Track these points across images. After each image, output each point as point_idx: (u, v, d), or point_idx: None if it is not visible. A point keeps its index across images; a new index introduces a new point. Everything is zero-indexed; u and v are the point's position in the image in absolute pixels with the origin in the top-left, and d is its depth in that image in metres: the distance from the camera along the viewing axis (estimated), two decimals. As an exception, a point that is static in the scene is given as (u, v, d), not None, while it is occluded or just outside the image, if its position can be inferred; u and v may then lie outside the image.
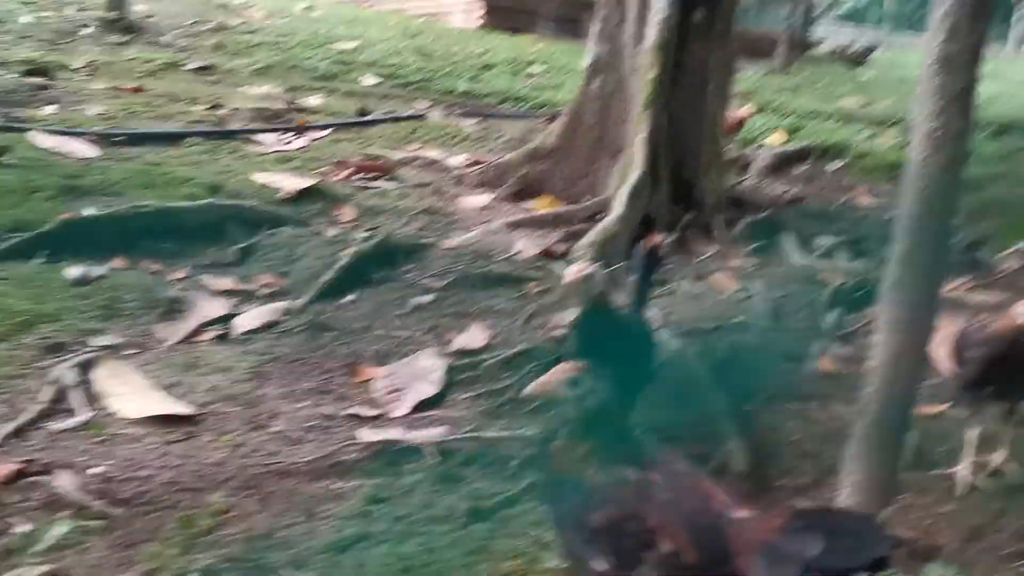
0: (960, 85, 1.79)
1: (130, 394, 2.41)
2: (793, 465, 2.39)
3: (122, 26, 8.20)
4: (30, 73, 6.18)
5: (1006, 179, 6.71)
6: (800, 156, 6.79)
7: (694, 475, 1.46)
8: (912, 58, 20.29)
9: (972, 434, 2.37)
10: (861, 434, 2.01)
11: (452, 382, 2.69)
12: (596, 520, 1.39)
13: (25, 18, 8.31)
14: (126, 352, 2.69)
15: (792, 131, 7.87)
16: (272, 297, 3.25)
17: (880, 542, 1.24)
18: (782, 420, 2.64)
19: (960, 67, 1.78)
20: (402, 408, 2.49)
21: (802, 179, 6.22)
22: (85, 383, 2.46)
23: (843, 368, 3.08)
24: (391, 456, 2.25)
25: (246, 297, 3.23)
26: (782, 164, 6.50)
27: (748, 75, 12.47)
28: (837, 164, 6.80)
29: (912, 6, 49.03)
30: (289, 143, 5.34)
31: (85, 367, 2.52)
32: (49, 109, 5.46)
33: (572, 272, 2.01)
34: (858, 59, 15.17)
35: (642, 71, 4.49)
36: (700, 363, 2.77)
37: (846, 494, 2.04)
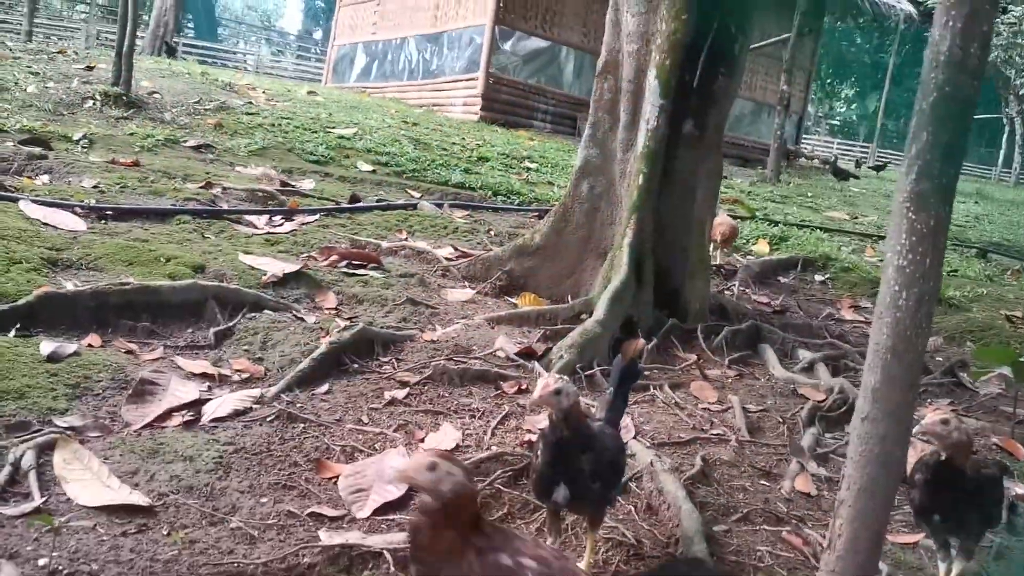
0: (931, 222, 1.80)
1: (87, 481, 2.34)
2: (763, 592, 2.33)
3: (125, 101, 8.35)
4: (28, 142, 6.25)
5: (989, 300, 6.78)
6: (786, 266, 6.87)
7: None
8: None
9: (942, 567, 2.32)
10: (829, 567, 1.96)
11: (420, 484, 2.63)
12: None
13: (30, 87, 8.45)
14: (90, 435, 2.63)
15: (779, 240, 7.97)
16: (246, 383, 3.21)
17: None
18: (755, 543, 2.57)
19: (931, 205, 1.80)
20: (365, 510, 2.43)
21: (787, 290, 6.27)
22: (43, 466, 2.39)
23: (819, 489, 3.04)
24: (349, 560, 2.18)
25: (219, 382, 3.19)
26: (768, 273, 6.56)
27: (738, 182, 12.72)
28: (822, 276, 6.87)
29: (901, 123, 50.39)
30: (279, 226, 5.37)
31: (45, 449, 2.45)
32: (43, 179, 5.51)
33: (540, 388, 1.98)
34: (845, 172, 15.48)
35: (631, 176, 4.57)
36: (673, 478, 2.71)
37: (815, 627, 1.98)
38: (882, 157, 22.71)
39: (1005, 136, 42.65)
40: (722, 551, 2.46)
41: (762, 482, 3.03)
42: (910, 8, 21.87)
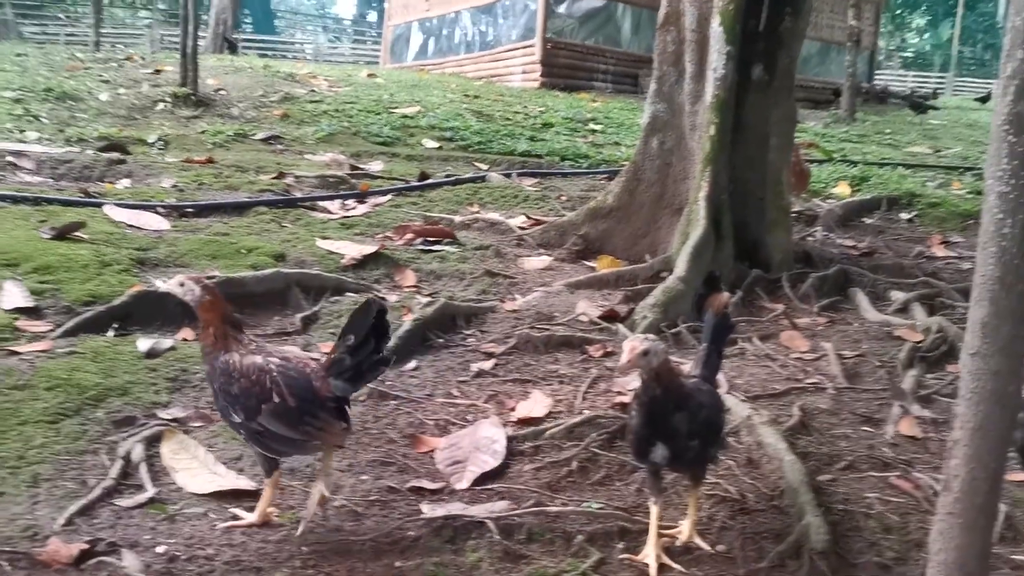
0: (1033, 145, 1.70)
1: (195, 469, 2.41)
2: (875, 540, 2.26)
3: (194, 100, 8.53)
4: (107, 148, 6.44)
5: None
6: (869, 207, 6.66)
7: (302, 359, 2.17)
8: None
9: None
10: (947, 510, 1.89)
11: (514, 452, 2.63)
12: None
13: (103, 96, 8.69)
14: (192, 424, 2.70)
15: (859, 181, 7.73)
16: (335, 366, 3.25)
17: None
18: (862, 490, 2.51)
19: (1033, 126, 1.70)
20: (464, 481, 2.44)
21: (872, 231, 6.08)
22: (153, 458, 2.47)
23: (925, 432, 2.94)
24: (453, 532, 2.19)
25: (309, 366, 3.24)
26: (851, 216, 6.37)
27: (811, 125, 12.36)
28: (908, 214, 6.63)
29: (979, 49, 48.31)
30: (352, 209, 5.42)
31: (152, 441, 2.53)
32: (124, 183, 5.67)
33: (628, 351, 1.95)
34: (923, 105, 14.88)
35: (701, 128, 4.46)
36: (772, 430, 2.66)
37: (934, 572, 1.92)
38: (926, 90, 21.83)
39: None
40: (829, 501, 2.40)
41: (864, 428, 2.95)
42: (981, -74, 20.78)
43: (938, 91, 26.23)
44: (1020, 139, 1.72)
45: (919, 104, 15.01)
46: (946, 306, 4.32)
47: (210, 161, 6.42)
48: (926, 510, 2.39)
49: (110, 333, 3.28)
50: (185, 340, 3.32)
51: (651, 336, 2.00)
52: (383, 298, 3.84)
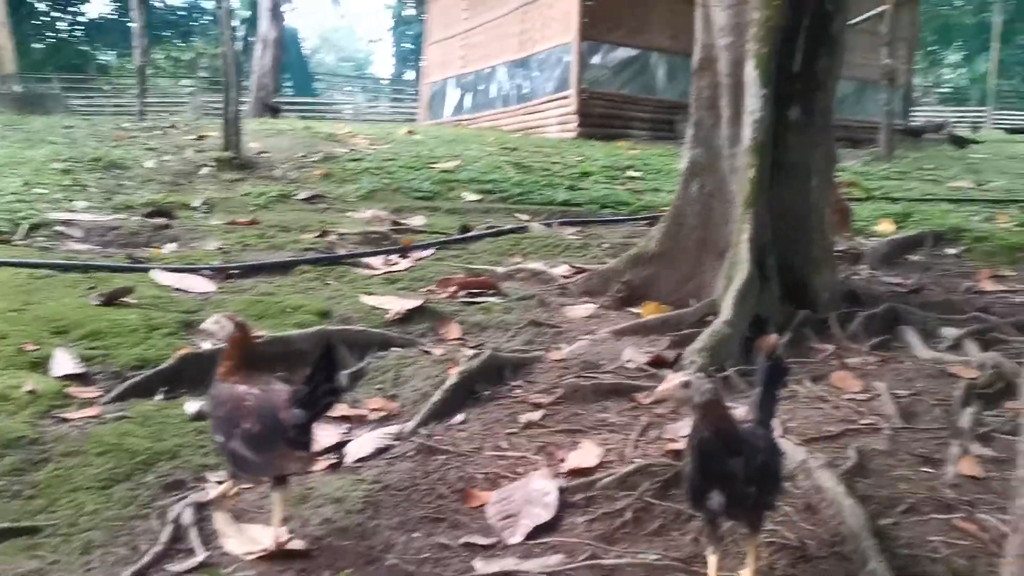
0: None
1: (244, 532, 2.41)
2: (943, 585, 2.19)
3: (237, 164, 8.73)
4: (153, 214, 6.60)
5: None
6: (914, 243, 6.57)
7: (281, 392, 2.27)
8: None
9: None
10: (1017, 551, 1.82)
11: (567, 504, 2.60)
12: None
13: (149, 163, 8.94)
14: (243, 487, 2.71)
15: (903, 217, 7.64)
16: (383, 421, 3.26)
17: None
18: (926, 534, 2.43)
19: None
20: (516, 535, 2.41)
21: (919, 267, 5.98)
22: (202, 521, 2.48)
23: (987, 471, 2.85)
24: (508, 587, 2.16)
25: (357, 423, 3.25)
26: (896, 253, 6.29)
27: (850, 164, 12.28)
28: (954, 249, 6.52)
29: (1016, 81, 47.85)
30: (395, 264, 5.48)
31: (202, 505, 2.55)
32: (170, 247, 5.79)
33: (667, 383, 1.93)
34: (963, 139, 14.73)
35: (741, 171, 4.45)
36: (829, 474, 2.60)
37: (1008, 619, 1.85)
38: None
39: None
40: (892, 545, 2.33)
41: (924, 469, 2.86)
42: (1013, -40, 20.72)
43: (977, 124, 25.94)
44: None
45: (959, 139, 14.83)
46: (1000, 341, 4.22)
47: (254, 222, 6.55)
48: (993, 552, 2.30)
49: (158, 397, 3.32)
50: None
51: (699, 375, 1.98)
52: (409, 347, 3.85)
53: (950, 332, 4.31)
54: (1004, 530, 2.33)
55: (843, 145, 15.44)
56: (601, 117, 15.89)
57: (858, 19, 14.72)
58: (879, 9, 14.48)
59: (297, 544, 2.36)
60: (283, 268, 5.15)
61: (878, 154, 14.01)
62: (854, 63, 18.43)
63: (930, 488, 2.72)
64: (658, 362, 3.73)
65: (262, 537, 2.36)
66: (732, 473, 1.99)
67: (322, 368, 2.23)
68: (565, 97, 16.06)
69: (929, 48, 48.43)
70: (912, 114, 23.54)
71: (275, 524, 2.34)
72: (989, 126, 33.00)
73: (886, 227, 7.22)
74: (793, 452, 2.76)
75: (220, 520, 2.46)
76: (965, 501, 2.64)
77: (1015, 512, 1.83)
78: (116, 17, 41.15)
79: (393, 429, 3.13)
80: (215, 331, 2.42)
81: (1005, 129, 21.07)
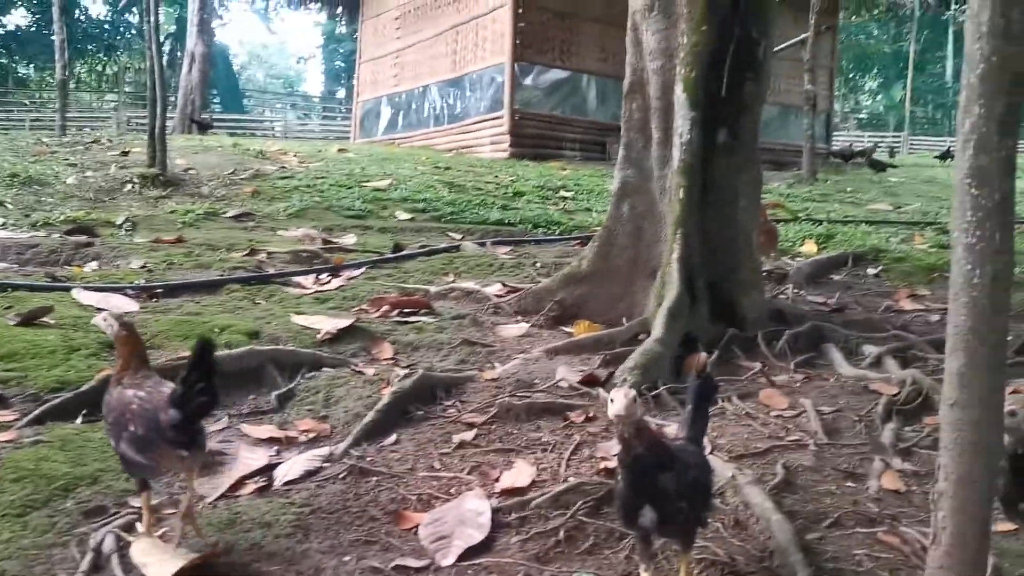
0: (996, 196, 1.75)
1: (166, 560, 2.33)
2: (868, 598, 2.24)
3: (162, 180, 8.56)
4: (74, 231, 6.41)
5: (1050, 274, 6.58)
6: (837, 264, 6.76)
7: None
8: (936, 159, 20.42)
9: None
10: (937, 563, 1.88)
11: (500, 524, 2.59)
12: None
13: (70, 179, 8.69)
14: (166, 512, 2.63)
15: (825, 239, 7.86)
16: (313, 443, 3.21)
17: None
18: (850, 547, 2.49)
19: (994, 179, 1.74)
20: (449, 557, 2.39)
21: (841, 287, 6.16)
22: (124, 548, 2.40)
23: (908, 485, 2.94)
24: (441, 609, 2.14)
25: (287, 444, 3.19)
26: (820, 273, 6.46)
27: (775, 186, 12.60)
28: (874, 270, 6.74)
29: (930, 109, 49.78)
30: (326, 283, 5.41)
31: (124, 531, 2.46)
32: (91, 265, 5.63)
33: (621, 397, 1.94)
34: (881, 163, 15.28)
35: (671, 192, 4.53)
36: (757, 490, 2.64)
37: (929, 628, 1.90)
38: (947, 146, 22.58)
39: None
40: (819, 560, 2.38)
41: (848, 484, 2.93)
42: (925, -7, 21.64)
43: (894, 149, 26.92)
44: (983, 191, 1.77)
45: (878, 163, 15.38)
46: (918, 358, 4.36)
47: (180, 241, 6.41)
48: (915, 564, 2.37)
49: (79, 420, 3.21)
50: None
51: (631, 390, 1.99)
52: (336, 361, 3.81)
53: (871, 350, 4.44)
54: (925, 543, 2.40)
55: (768, 168, 15.86)
56: (534, 137, 16.03)
57: (782, 46, 15.18)
58: (801, 37, 14.98)
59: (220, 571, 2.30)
60: (211, 287, 5.05)
61: (801, 177, 14.43)
62: (778, 88, 19.02)
63: (854, 502, 2.79)
64: (591, 381, 3.76)
65: (177, 557, 2.29)
66: (663, 489, 2.00)
67: (195, 368, 2.24)
68: (498, 117, 16.16)
69: (848, 75, 50.19)
70: (833, 138, 24.32)
71: (144, 527, 2.40)
72: (905, 151, 34.28)
73: (810, 248, 7.42)
74: (722, 469, 2.80)
75: (140, 554, 2.37)
76: (888, 515, 2.71)
77: (935, 524, 1.89)
78: (36, 29, 39.91)
79: (324, 451, 3.07)
80: (104, 328, 2.46)
81: (934, 155, 21.87)
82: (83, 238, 6.25)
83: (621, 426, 1.97)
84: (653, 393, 3.65)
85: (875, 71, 52.23)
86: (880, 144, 26.79)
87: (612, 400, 1.96)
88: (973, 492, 1.85)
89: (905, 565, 2.40)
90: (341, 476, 2.89)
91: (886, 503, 2.81)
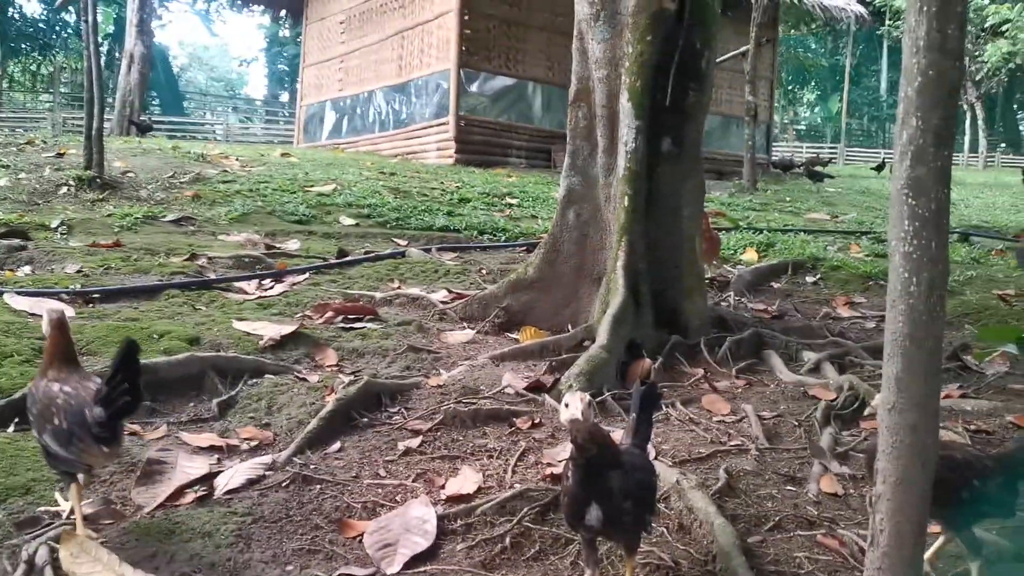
0: (932, 206, 1.80)
1: (99, 572, 2.27)
2: (808, 599, 2.28)
3: (100, 183, 8.34)
4: (6, 235, 6.21)
5: (980, 282, 6.80)
6: (777, 272, 6.89)
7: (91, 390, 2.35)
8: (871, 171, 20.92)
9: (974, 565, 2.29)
10: (875, 565, 1.92)
11: (446, 531, 2.58)
12: None
13: (2, 181, 8.43)
14: (103, 523, 2.56)
15: (766, 247, 8.00)
16: (255, 451, 3.16)
17: None
18: (791, 550, 2.53)
19: (930, 189, 1.79)
20: (395, 565, 2.37)
21: (781, 294, 6.27)
22: (58, 560, 2.33)
23: (845, 488, 3.00)
24: (386, 618, 2.12)
25: (228, 453, 3.13)
26: (760, 281, 6.58)
27: (716, 195, 12.79)
28: (813, 278, 6.88)
29: (865, 121, 51.09)
30: (269, 289, 5.33)
31: (58, 542, 2.39)
32: (24, 270, 5.46)
33: (577, 401, 1.95)
34: (819, 174, 15.63)
35: (616, 199, 4.57)
36: (701, 494, 2.67)
37: (867, 628, 1.94)
38: (882, 158, 23.25)
39: (968, 122, 43.24)
40: (760, 563, 2.42)
41: (788, 488, 2.99)
42: (860, 9, 22.20)
43: (831, 160, 27.55)
44: (920, 201, 1.82)
45: (816, 173, 15.73)
46: (855, 364, 4.48)
47: (117, 245, 6.26)
48: (853, 566, 2.42)
49: (11, 429, 3.11)
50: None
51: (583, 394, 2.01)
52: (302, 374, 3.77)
53: (810, 356, 4.54)
54: (863, 545, 2.45)
55: (710, 177, 16.09)
56: (479, 144, 16.03)
57: (724, 57, 15.45)
58: (743, 49, 15.25)
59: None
60: (149, 293, 4.94)
61: (742, 186, 14.67)
62: (720, 99, 19.34)
63: (794, 506, 2.84)
64: (537, 387, 3.77)
65: (112, 565, 2.23)
66: (611, 487, 2.01)
67: (121, 368, 2.29)
68: (444, 123, 16.12)
69: (788, 87, 51.30)
70: (773, 149, 24.80)
71: (78, 522, 2.41)
72: (841, 162, 35.12)
73: (751, 256, 7.55)
74: (666, 474, 2.82)
75: (70, 561, 2.31)
76: (827, 518, 2.77)
77: (873, 527, 1.93)
78: (-33, 27, 38.72)
79: (266, 459, 3.03)
80: (44, 319, 2.53)
81: (871, 167, 22.41)
82: (16, 241, 6.06)
83: (576, 431, 1.98)
84: (598, 399, 3.67)
85: (813, 84, 53.50)
86: (821, 155, 27.38)
87: (567, 405, 1.97)
88: (910, 494, 1.90)
89: (844, 567, 2.45)
90: (284, 484, 2.85)
91: (825, 506, 2.87)
